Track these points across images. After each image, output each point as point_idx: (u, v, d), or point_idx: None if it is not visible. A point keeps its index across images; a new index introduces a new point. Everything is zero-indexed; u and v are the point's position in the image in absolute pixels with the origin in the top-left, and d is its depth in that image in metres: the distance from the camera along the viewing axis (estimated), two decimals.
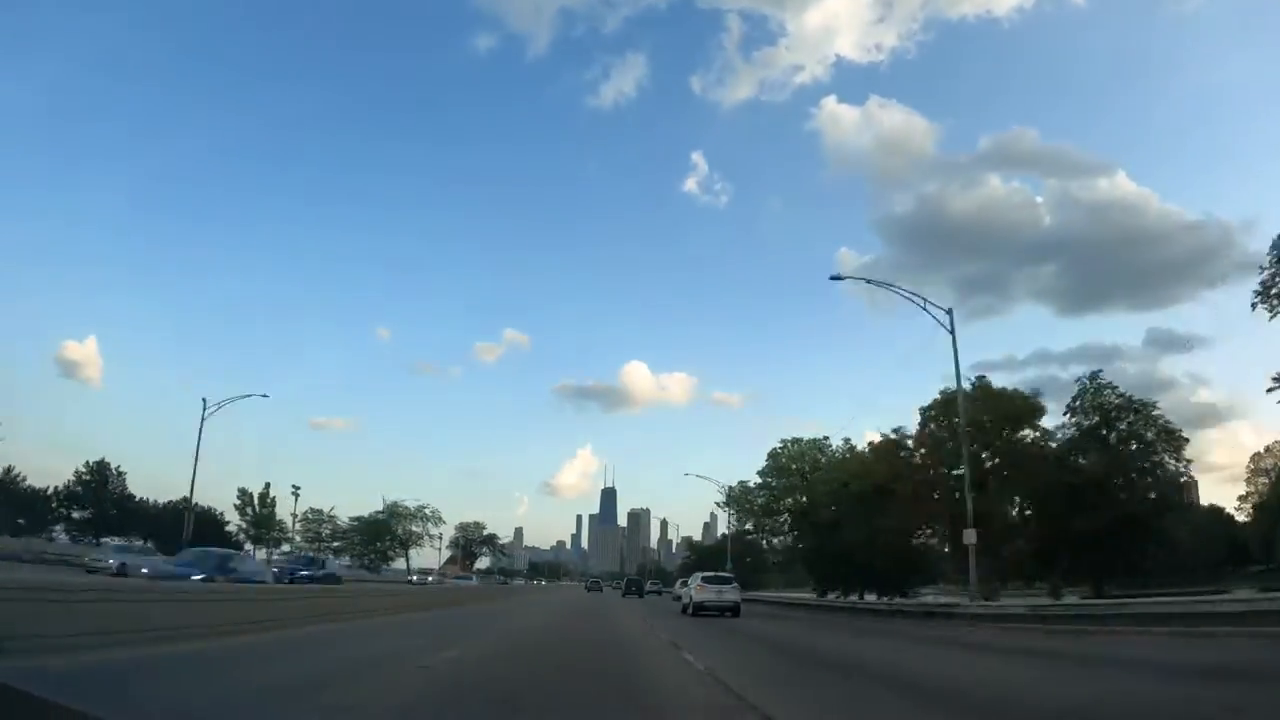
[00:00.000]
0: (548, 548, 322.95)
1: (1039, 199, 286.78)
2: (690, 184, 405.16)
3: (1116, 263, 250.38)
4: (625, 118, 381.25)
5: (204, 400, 48.96)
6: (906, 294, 30.62)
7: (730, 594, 30.31)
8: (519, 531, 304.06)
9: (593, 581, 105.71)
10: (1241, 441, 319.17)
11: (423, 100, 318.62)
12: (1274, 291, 30.18)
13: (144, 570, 24.05)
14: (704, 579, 32.23)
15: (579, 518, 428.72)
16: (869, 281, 34.43)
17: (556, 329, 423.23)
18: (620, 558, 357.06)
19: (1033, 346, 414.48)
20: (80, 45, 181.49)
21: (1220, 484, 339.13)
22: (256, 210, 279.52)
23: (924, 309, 29.96)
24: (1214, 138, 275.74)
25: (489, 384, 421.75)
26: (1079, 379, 37.45)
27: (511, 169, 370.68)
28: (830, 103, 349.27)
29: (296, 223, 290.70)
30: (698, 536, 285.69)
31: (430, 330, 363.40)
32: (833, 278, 33.55)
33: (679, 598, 41.78)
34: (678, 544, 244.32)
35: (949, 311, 29.80)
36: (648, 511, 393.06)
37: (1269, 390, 32.45)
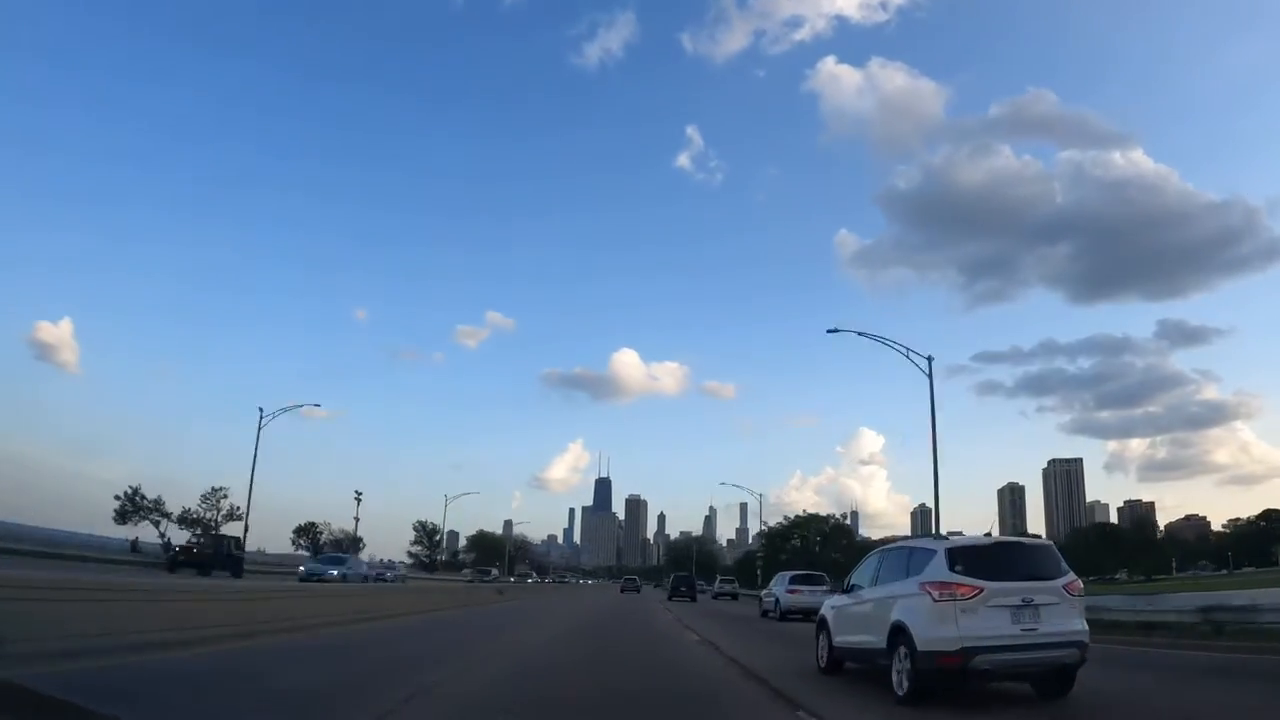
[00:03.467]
0: (538, 542, 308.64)
1: (1052, 173, 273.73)
2: (683, 160, 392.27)
3: (1132, 245, 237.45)
4: (613, 82, 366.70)
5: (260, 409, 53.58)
6: (893, 344, 34.64)
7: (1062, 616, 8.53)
8: (507, 524, 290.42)
9: (628, 579, 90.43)
10: (1244, 441, 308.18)
11: (398, 63, 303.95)
12: None
13: None
14: (964, 550, 8.85)
15: (570, 511, 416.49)
16: (860, 334, 36.55)
17: (542, 312, 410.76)
18: (617, 549, 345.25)
19: (1040, 336, 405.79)
20: None
21: (1221, 485, 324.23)
22: (230, 182, 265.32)
23: (906, 356, 34.08)
24: (1239, 111, 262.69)
25: (472, 371, 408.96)
26: None
27: (493, 137, 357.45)
28: (830, 64, 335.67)
29: (268, 189, 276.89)
30: (697, 530, 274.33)
31: (409, 311, 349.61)
32: (830, 330, 37.07)
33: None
34: (675, 537, 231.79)
35: (929, 359, 33.99)
36: (645, 503, 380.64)
37: None
